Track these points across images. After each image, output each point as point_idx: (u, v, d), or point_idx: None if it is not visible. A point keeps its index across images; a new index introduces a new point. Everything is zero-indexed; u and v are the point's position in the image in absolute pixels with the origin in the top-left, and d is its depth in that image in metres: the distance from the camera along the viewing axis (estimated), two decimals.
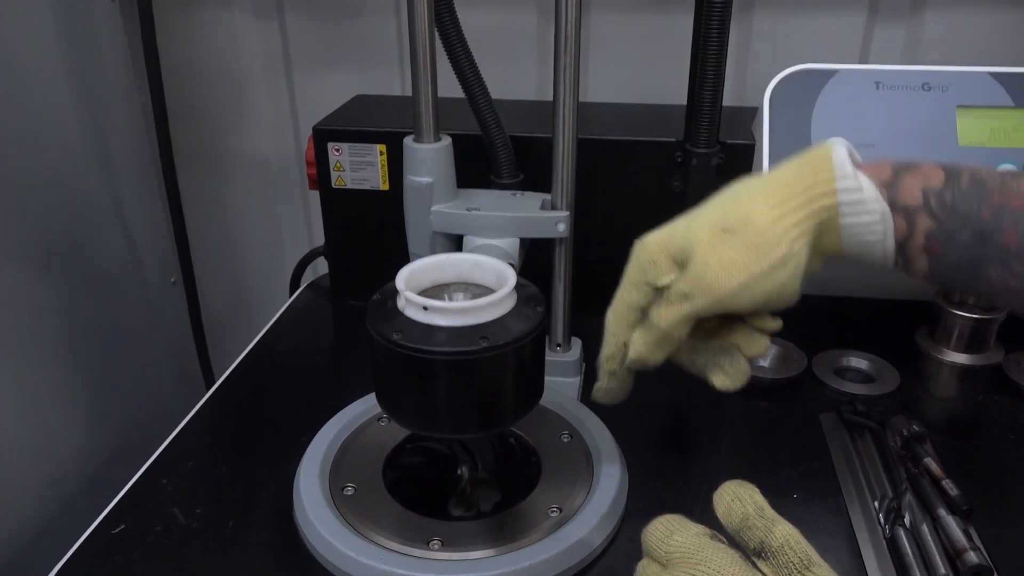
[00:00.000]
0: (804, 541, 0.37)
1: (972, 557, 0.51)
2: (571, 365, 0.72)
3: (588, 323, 0.77)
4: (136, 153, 0.92)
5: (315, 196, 0.93)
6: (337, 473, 0.60)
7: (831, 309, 0.79)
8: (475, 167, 0.79)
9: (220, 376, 0.77)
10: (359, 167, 0.81)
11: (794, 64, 0.72)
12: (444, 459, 0.65)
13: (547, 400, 0.67)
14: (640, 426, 0.68)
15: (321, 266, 0.96)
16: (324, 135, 0.81)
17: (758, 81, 0.92)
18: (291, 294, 0.95)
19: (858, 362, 0.75)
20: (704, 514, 0.57)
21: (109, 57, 0.86)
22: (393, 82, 1.01)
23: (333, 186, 0.83)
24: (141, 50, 0.87)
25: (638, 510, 0.58)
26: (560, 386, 0.71)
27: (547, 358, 0.72)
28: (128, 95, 0.90)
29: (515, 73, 0.96)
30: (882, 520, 0.56)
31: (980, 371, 0.70)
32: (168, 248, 0.98)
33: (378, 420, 0.66)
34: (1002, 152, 0.67)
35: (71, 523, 0.79)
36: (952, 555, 0.52)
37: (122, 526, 0.57)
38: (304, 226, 1.12)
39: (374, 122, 0.82)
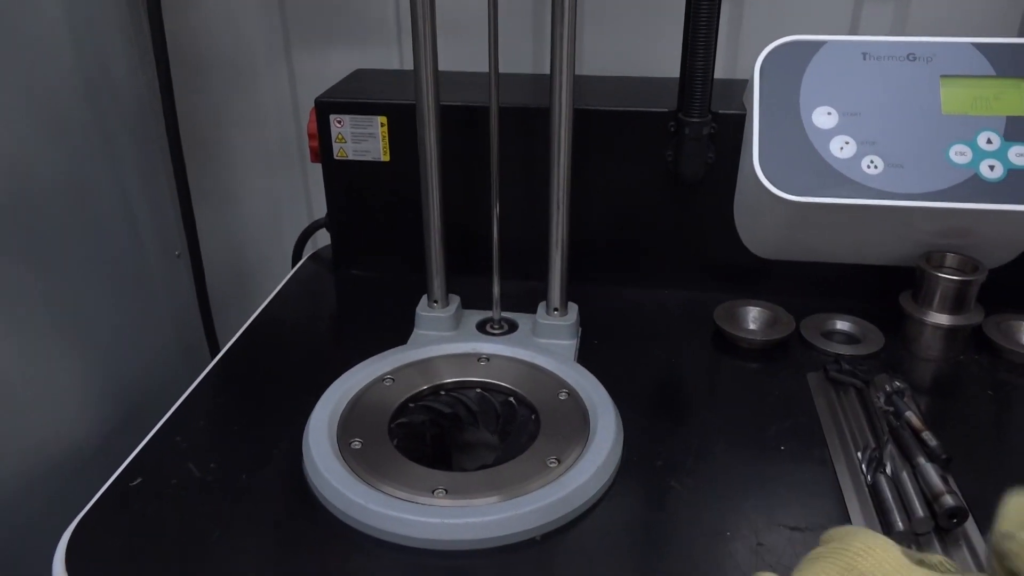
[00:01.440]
0: None
1: (948, 500, 0.54)
2: (568, 328, 0.75)
3: (584, 289, 0.80)
4: (139, 128, 0.93)
5: (314, 170, 0.95)
6: (345, 429, 0.62)
7: (819, 275, 0.82)
8: (474, 139, 0.82)
9: (225, 348, 0.79)
10: (361, 139, 0.83)
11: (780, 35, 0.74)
12: (447, 417, 0.68)
13: (545, 361, 0.70)
14: (635, 385, 0.70)
15: (320, 239, 0.98)
16: (326, 107, 0.83)
17: (750, 54, 0.94)
18: (293, 266, 0.97)
19: (844, 324, 0.78)
20: (695, 468, 0.61)
21: (115, 34, 0.88)
22: (392, 58, 1.03)
23: (335, 158, 0.85)
24: (145, 27, 0.88)
25: (632, 461, 0.61)
26: (558, 348, 0.73)
27: (545, 322, 0.75)
28: (132, 71, 0.91)
29: (512, 48, 0.98)
30: (864, 469, 0.59)
31: (961, 331, 0.73)
32: (171, 221, 1.00)
33: (382, 380, 0.68)
34: (984, 120, 0.70)
35: (84, 490, 0.81)
36: (930, 499, 0.55)
37: (139, 479, 0.60)
38: (304, 200, 1.14)
39: (375, 94, 0.84)
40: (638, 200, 0.83)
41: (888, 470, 0.58)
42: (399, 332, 0.77)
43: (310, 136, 0.85)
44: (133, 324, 0.93)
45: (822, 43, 0.73)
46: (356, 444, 0.61)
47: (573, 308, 0.76)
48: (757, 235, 0.80)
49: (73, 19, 0.80)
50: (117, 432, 0.89)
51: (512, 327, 0.77)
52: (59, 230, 0.80)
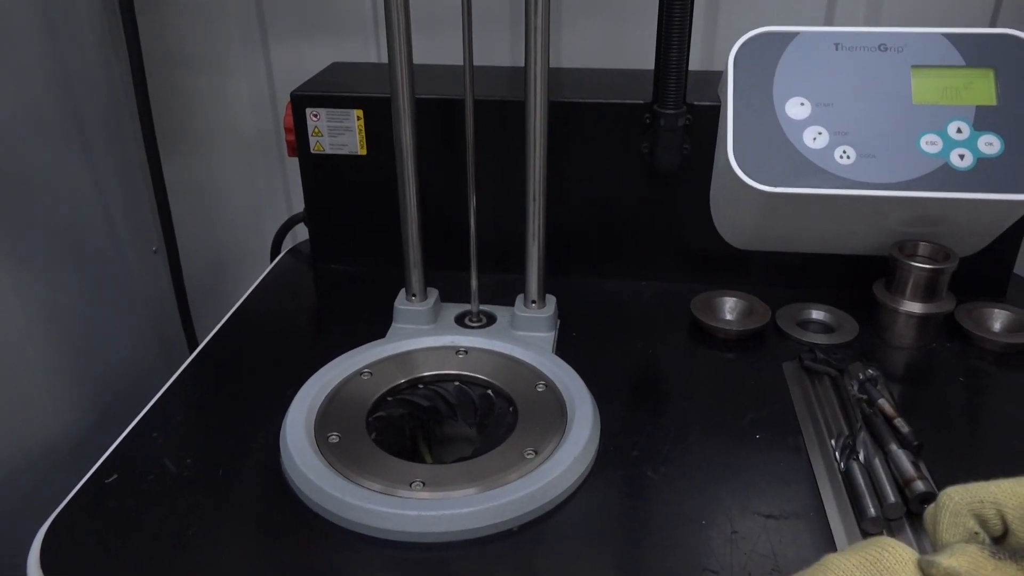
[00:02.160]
0: None
1: (920, 486, 0.54)
2: (546, 320, 0.75)
3: (562, 280, 0.80)
4: (114, 123, 0.93)
5: (292, 164, 0.94)
6: (322, 423, 0.62)
7: (794, 265, 0.83)
8: (451, 132, 0.82)
9: (202, 343, 0.79)
10: (337, 132, 0.83)
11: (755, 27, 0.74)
12: (425, 410, 0.68)
13: (522, 353, 0.70)
14: (612, 376, 0.71)
15: (300, 233, 0.98)
16: (302, 101, 0.82)
17: (727, 46, 0.94)
18: (272, 260, 0.97)
19: (819, 314, 0.79)
20: (671, 457, 0.61)
21: (87, 27, 0.87)
22: (369, 51, 1.02)
23: (312, 152, 0.84)
24: (117, 20, 0.88)
25: (609, 451, 0.61)
26: (536, 340, 0.73)
27: (523, 314, 0.75)
28: (106, 66, 0.91)
29: (489, 40, 0.98)
30: (838, 456, 0.60)
31: (933, 319, 0.74)
32: (148, 217, 1.00)
33: (360, 374, 0.68)
34: (953, 110, 0.70)
35: (60, 487, 0.81)
36: (902, 485, 0.55)
37: (115, 476, 0.59)
38: (282, 194, 1.13)
39: (351, 87, 0.83)
40: (615, 192, 0.83)
41: (861, 457, 0.59)
42: (377, 326, 0.77)
43: (286, 130, 0.85)
44: (110, 319, 0.92)
45: (795, 34, 0.73)
46: (334, 438, 0.61)
47: (551, 300, 0.77)
48: (733, 226, 0.81)
49: (44, 12, 0.79)
50: (93, 428, 0.88)
51: (490, 320, 0.78)
52: (33, 225, 0.79)
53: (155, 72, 1.03)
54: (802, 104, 0.71)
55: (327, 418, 0.63)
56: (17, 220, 0.77)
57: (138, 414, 0.67)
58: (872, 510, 0.54)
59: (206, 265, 1.18)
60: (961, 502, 0.40)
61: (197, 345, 0.77)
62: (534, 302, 0.76)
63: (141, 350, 0.99)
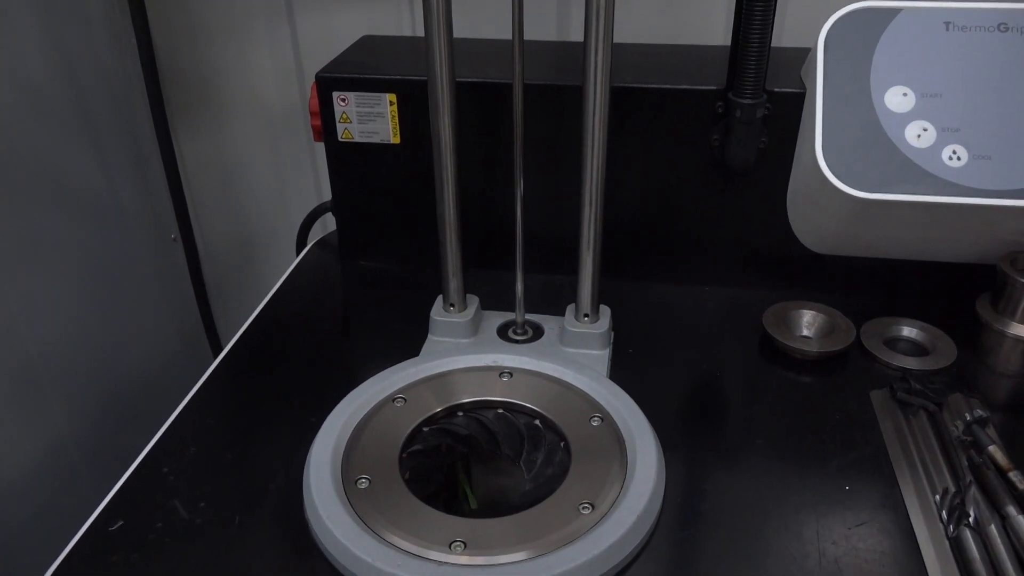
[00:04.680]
0: None
1: None
2: (599, 337, 0.67)
3: (617, 285, 0.72)
4: (124, 104, 0.85)
5: (322, 145, 0.86)
6: (350, 463, 0.55)
7: (881, 272, 0.73)
8: (494, 119, 0.73)
9: (225, 338, 0.72)
10: (367, 118, 0.74)
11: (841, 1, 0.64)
12: (464, 441, 0.60)
13: (574, 378, 0.62)
14: (674, 406, 0.63)
15: (330, 221, 0.90)
16: (328, 83, 0.74)
17: (800, 19, 0.84)
18: (298, 252, 0.89)
19: (910, 331, 0.69)
20: (748, 513, 0.53)
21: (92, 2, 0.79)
22: (403, 19, 0.93)
23: (340, 139, 0.76)
24: None
25: (675, 504, 0.54)
26: (588, 360, 0.66)
27: (573, 329, 0.67)
28: (113, 41, 0.83)
29: (532, 9, 0.88)
30: (945, 518, 0.52)
31: None
32: (165, 203, 0.93)
33: (392, 401, 0.61)
34: None
35: (72, 499, 0.76)
36: None
37: (120, 522, 0.53)
38: (311, 177, 1.05)
39: (383, 68, 0.75)
40: (678, 188, 0.74)
41: (971, 519, 0.51)
42: (411, 335, 0.70)
43: (312, 114, 0.77)
44: (128, 314, 0.87)
45: (898, 10, 0.63)
46: (363, 482, 0.54)
47: (605, 313, 0.68)
48: (813, 229, 0.71)
49: None
50: (113, 434, 0.83)
51: (537, 332, 0.70)
52: (43, 217, 0.73)
53: (174, 44, 0.96)
54: (905, 94, 0.61)
55: (356, 457, 0.56)
56: (16, 209, 0.70)
57: (158, 417, 0.61)
58: None
59: (230, 253, 1.11)
60: None
61: (218, 340, 0.71)
62: (586, 316, 0.67)
63: (162, 346, 0.93)
